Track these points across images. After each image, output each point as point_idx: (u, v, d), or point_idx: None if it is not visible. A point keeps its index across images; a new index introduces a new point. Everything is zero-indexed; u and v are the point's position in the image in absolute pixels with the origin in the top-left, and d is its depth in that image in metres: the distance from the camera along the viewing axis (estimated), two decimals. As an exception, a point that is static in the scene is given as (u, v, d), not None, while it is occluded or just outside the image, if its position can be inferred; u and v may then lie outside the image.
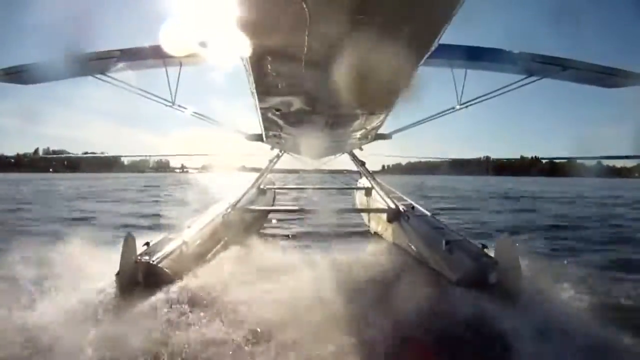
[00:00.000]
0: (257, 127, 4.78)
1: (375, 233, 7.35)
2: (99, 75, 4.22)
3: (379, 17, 1.65)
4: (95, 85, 4.30)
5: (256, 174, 6.98)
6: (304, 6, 1.53)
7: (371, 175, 6.96)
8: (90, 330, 2.89)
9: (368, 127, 4.06)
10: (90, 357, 2.64)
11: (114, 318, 3.10)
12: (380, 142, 5.82)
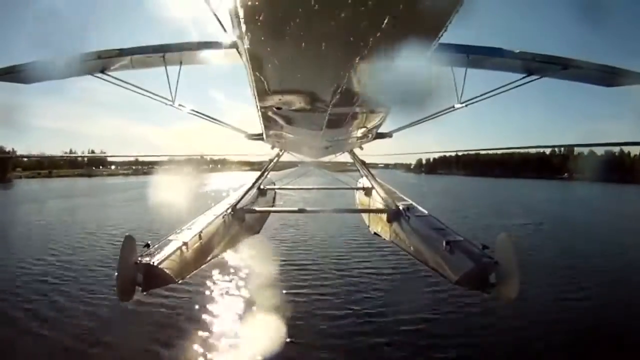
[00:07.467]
0: (258, 126, 4.76)
1: (375, 233, 7.33)
2: (98, 74, 4.22)
3: (380, 15, 1.64)
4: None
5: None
6: (305, 4, 1.52)
7: (371, 174, 6.95)
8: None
9: (369, 126, 4.05)
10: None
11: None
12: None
